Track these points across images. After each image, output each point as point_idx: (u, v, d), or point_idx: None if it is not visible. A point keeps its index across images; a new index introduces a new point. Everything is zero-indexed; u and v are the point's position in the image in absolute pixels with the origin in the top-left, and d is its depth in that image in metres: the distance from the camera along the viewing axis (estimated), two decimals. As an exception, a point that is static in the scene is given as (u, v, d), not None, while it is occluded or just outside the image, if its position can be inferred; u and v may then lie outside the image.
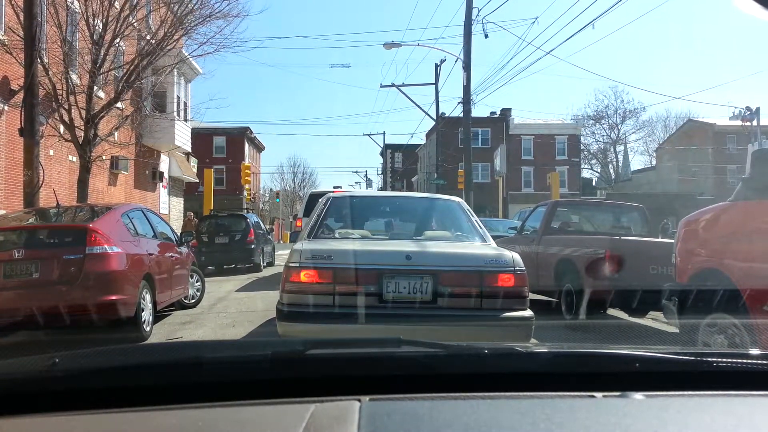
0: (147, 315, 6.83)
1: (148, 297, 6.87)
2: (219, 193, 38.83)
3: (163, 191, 25.21)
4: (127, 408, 1.07)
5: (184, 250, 9.00)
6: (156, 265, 7.32)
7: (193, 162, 30.81)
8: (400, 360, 1.28)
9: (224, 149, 47.26)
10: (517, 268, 4.50)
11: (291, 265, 4.44)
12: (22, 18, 10.24)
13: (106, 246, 6.19)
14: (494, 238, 11.93)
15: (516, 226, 10.58)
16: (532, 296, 9.17)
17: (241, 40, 14.24)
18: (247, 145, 49.07)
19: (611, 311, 8.03)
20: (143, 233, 7.48)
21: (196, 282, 9.43)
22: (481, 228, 5.47)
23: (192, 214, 22.48)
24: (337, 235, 5.26)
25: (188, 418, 1.03)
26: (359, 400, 1.04)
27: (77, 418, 1.05)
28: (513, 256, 4.61)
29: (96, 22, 12.25)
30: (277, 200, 60.30)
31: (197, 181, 29.90)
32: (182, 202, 28.79)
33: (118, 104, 16.18)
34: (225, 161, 45.66)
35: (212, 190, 27.43)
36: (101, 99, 13.69)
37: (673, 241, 6.41)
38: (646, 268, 6.73)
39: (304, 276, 4.36)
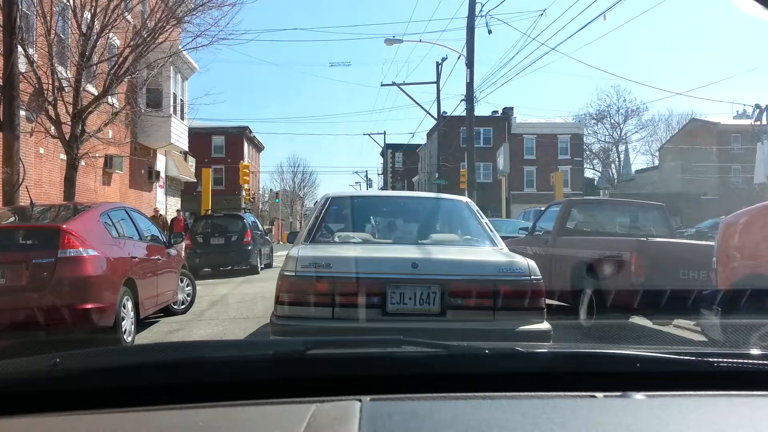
0: (128, 324, 6.23)
1: (129, 304, 6.27)
2: (218, 193, 38.37)
3: (159, 191, 24.65)
4: (127, 408, 1.07)
5: (173, 252, 8.41)
6: (140, 269, 6.71)
7: (191, 161, 30.26)
8: (401, 360, 1.27)
9: (223, 149, 46.76)
10: (533, 277, 4.11)
11: (286, 273, 4.06)
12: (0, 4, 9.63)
13: (80, 248, 5.59)
14: (502, 239, 11.37)
15: (527, 227, 9.99)
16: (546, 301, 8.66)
17: (236, 32, 13.62)
18: (246, 145, 48.54)
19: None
20: (126, 234, 6.88)
21: (186, 286, 8.83)
22: (491, 230, 5.09)
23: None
24: (336, 239, 4.93)
25: (188, 418, 1.04)
26: (360, 400, 1.04)
27: (77, 418, 1.06)
28: (528, 263, 4.22)
29: (84, 13, 11.67)
30: (277, 200, 59.66)
31: (195, 180, 29.38)
32: (179, 202, 28.23)
33: (113, 101, 15.62)
34: (224, 161, 45.17)
35: (210, 189, 26.91)
36: (92, 94, 13.10)
37: (707, 243, 5.85)
38: (675, 272, 6.13)
39: (300, 285, 4.02)
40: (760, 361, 1.27)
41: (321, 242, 4.81)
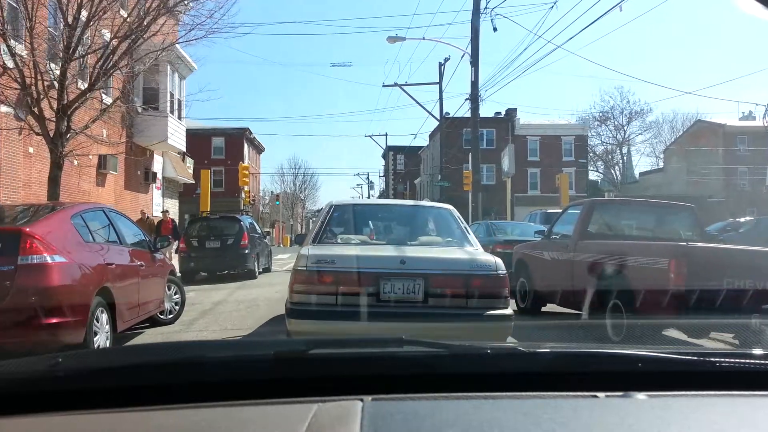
0: (102, 339, 5.52)
1: (104, 317, 5.57)
2: (218, 195, 37.76)
3: (156, 192, 23.98)
4: (128, 408, 1.07)
5: (159, 257, 7.72)
6: (118, 277, 6.00)
7: (189, 162, 29.60)
8: (403, 360, 1.26)
9: (223, 150, 46.10)
10: (500, 272, 4.99)
11: (299, 268, 4.93)
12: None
13: (45, 254, 4.89)
14: (513, 242, 10.62)
15: (543, 230, 9.28)
16: (563, 310, 7.95)
17: (231, 24, 12.90)
18: (246, 146, 47.89)
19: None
20: (103, 238, 6.19)
21: (175, 294, 8.12)
22: (469, 234, 5.94)
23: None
24: (339, 240, 5.69)
25: (189, 417, 1.03)
26: (362, 400, 1.03)
27: (77, 418, 1.06)
28: (495, 260, 5.10)
29: (71, 2, 10.97)
30: (277, 203, 58.93)
31: (193, 182, 28.73)
32: (177, 204, 27.56)
33: (105, 97, 14.94)
34: (224, 162, 44.53)
35: (209, 191, 26.27)
36: (81, 90, 12.41)
37: (758, 248, 5.16)
38: (720, 280, 5.44)
39: (310, 278, 4.83)
40: (762, 361, 1.25)
41: (326, 243, 5.58)
